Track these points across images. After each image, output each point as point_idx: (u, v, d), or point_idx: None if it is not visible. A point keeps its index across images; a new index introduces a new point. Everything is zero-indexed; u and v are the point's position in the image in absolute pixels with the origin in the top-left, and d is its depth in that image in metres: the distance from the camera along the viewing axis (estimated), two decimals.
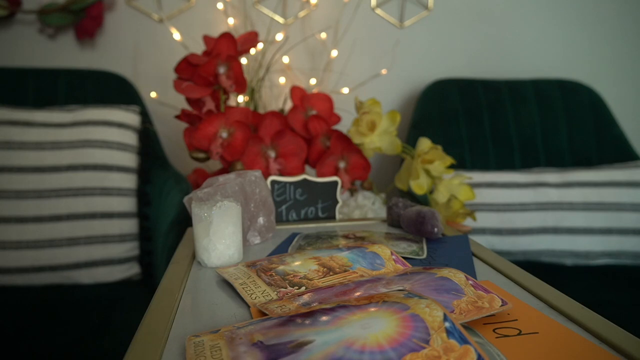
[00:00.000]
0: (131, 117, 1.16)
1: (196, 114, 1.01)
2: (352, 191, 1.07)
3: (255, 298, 0.47)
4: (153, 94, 1.38)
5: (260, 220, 0.72)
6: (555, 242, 1.16)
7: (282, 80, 1.47)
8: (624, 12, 1.59)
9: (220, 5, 1.42)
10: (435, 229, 0.69)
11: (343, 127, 1.20)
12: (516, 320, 0.42)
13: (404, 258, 0.60)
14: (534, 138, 1.37)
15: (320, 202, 0.86)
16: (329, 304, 0.39)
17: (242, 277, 0.52)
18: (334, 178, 0.86)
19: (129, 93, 1.27)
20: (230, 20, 1.41)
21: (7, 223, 1.01)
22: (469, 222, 1.11)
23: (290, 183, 0.84)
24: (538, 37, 1.58)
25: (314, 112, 1.09)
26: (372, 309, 0.36)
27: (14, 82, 1.20)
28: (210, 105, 1.00)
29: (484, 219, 1.17)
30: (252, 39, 1.07)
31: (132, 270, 1.08)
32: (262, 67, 1.37)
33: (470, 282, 0.45)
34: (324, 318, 0.36)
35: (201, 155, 0.99)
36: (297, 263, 0.54)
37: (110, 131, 1.11)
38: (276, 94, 1.48)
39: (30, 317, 0.86)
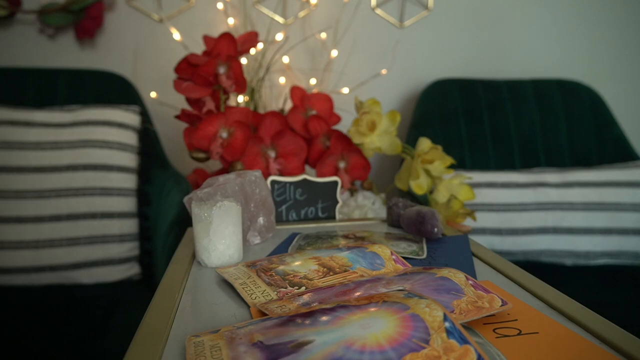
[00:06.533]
0: (131, 117, 1.16)
1: (196, 114, 1.01)
2: (352, 191, 1.07)
3: (255, 298, 0.47)
4: (153, 94, 1.38)
5: (260, 220, 0.72)
6: (555, 242, 1.16)
7: (282, 80, 1.47)
8: (623, 12, 1.59)
9: (220, 5, 1.42)
10: (435, 229, 0.69)
11: (343, 127, 1.20)
12: (516, 320, 0.42)
13: (404, 258, 0.60)
14: (534, 138, 1.37)
15: (320, 202, 0.86)
16: (329, 304, 0.39)
17: (242, 277, 0.52)
18: (334, 178, 0.86)
19: (129, 93, 1.27)
20: (230, 20, 1.41)
21: (7, 223, 1.01)
22: (469, 222, 1.11)
23: (290, 183, 0.84)
24: (538, 37, 1.58)
25: (314, 112, 1.09)
26: (372, 309, 0.36)
27: (14, 82, 1.20)
28: (210, 105, 1.00)
29: (484, 219, 1.17)
30: (252, 39, 1.07)
31: (132, 270, 1.08)
32: (262, 67, 1.37)
33: (470, 282, 0.45)
34: (324, 318, 0.36)
35: (201, 155, 0.99)
36: (297, 263, 0.54)
37: (110, 131, 1.11)
38: (276, 94, 1.48)
39: (30, 317, 0.86)
